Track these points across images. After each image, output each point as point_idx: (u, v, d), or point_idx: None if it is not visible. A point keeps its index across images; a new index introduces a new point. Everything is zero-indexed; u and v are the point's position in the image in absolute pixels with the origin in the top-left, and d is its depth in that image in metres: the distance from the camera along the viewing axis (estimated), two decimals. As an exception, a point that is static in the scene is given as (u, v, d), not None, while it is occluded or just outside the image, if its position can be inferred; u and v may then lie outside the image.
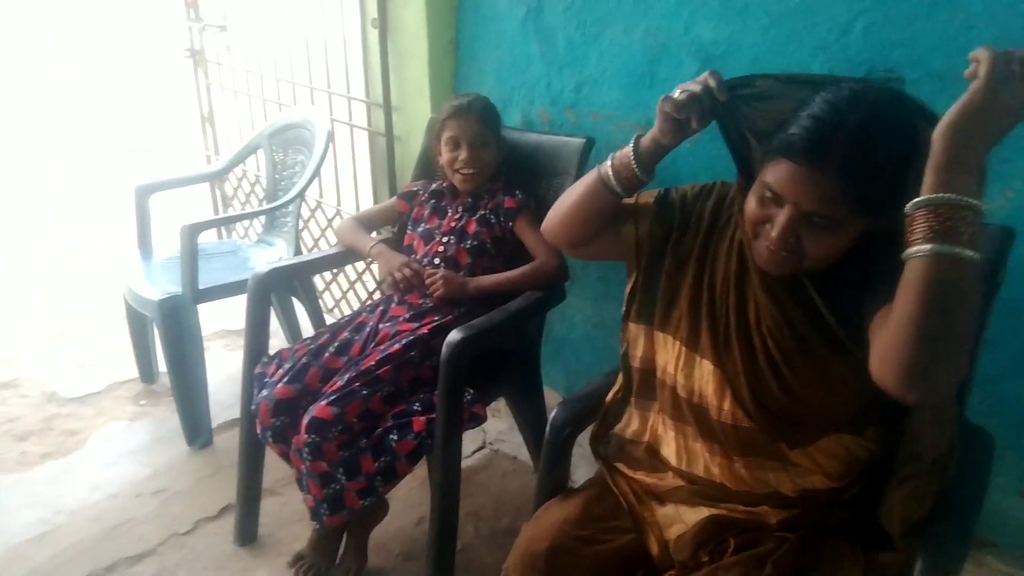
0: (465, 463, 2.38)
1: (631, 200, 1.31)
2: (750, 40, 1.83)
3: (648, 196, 1.32)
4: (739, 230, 1.16)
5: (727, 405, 1.15)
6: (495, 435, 2.51)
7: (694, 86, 1.12)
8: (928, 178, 0.87)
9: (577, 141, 1.95)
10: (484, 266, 1.92)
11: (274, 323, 2.77)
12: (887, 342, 0.90)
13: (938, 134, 0.87)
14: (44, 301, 3.56)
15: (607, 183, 1.25)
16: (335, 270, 2.99)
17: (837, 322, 1.05)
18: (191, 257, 2.26)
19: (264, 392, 1.73)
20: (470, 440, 2.48)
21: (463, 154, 1.91)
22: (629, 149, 1.23)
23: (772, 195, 1.03)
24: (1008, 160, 1.58)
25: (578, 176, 1.93)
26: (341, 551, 1.86)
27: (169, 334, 2.29)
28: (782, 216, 1.01)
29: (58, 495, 2.23)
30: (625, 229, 1.31)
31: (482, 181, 1.96)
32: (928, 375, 0.86)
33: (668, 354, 1.24)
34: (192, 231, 2.25)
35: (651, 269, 1.28)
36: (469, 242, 1.91)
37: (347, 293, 3.02)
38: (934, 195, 0.85)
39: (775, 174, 1.01)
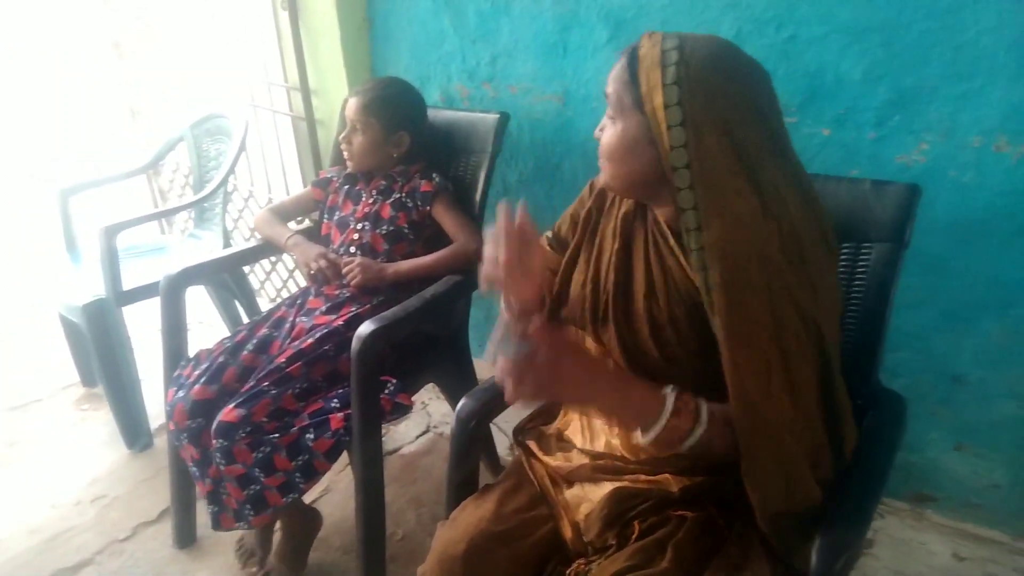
0: (408, 448, 2.37)
1: None
2: (660, 2, 1.77)
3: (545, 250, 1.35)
4: (623, 206, 1.19)
5: None
6: (439, 418, 2.49)
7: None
8: None
9: (492, 117, 1.89)
10: (403, 252, 1.87)
11: (218, 319, 2.75)
12: None
13: None
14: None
15: None
16: (273, 259, 2.94)
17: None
18: (111, 259, 2.20)
19: (180, 393, 1.68)
20: (413, 424, 2.45)
21: (343, 133, 1.89)
22: None
23: None
24: (920, 115, 1.56)
25: (494, 153, 1.89)
26: (274, 552, 1.83)
27: (97, 338, 2.24)
28: None
29: (-4, 509, 2.20)
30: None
31: (358, 165, 1.92)
32: None
33: None
34: (109, 232, 2.19)
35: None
36: (385, 227, 1.86)
37: (287, 282, 2.96)
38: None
39: None
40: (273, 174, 2.81)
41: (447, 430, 2.39)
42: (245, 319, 2.64)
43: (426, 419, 2.49)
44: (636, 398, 0.99)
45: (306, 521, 1.84)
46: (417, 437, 2.41)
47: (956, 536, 1.85)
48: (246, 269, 2.85)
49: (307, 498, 2.08)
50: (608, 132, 1.07)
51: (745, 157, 0.95)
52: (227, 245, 2.58)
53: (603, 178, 1.13)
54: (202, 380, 1.68)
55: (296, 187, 2.71)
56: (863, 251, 1.28)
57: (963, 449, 1.80)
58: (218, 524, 1.66)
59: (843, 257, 1.30)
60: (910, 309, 1.69)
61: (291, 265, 2.91)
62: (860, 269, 1.29)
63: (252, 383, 1.61)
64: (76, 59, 4.21)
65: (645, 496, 1.14)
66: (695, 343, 1.08)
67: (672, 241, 1.11)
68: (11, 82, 5.40)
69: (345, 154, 1.90)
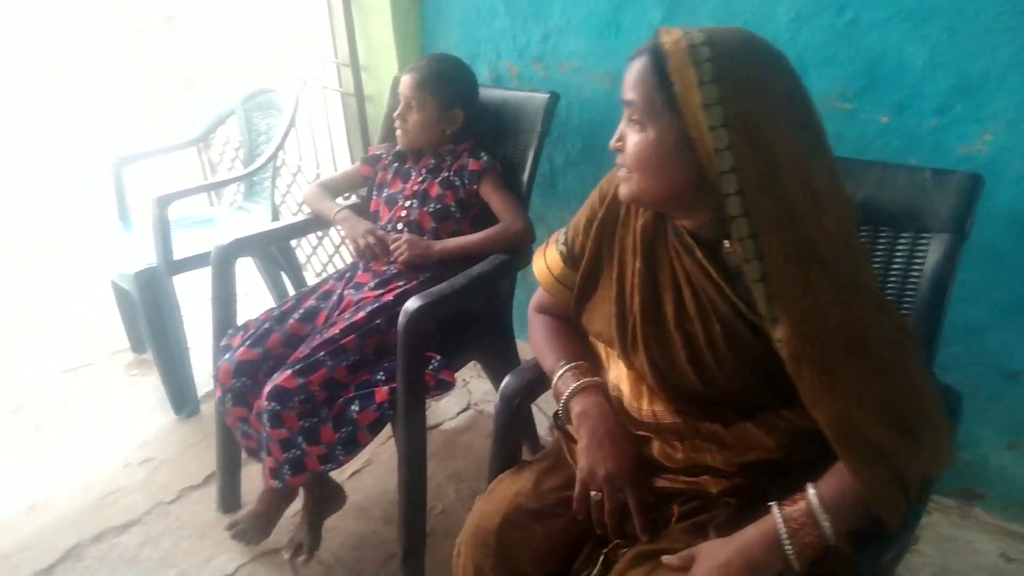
0: (449, 424, 2.39)
1: (551, 283, 1.30)
2: (717, -20, 1.74)
3: (556, 264, 1.29)
4: (640, 218, 1.12)
5: (645, 405, 1.14)
6: (480, 396, 2.50)
7: None
8: None
9: (541, 96, 1.88)
10: (449, 230, 1.88)
11: (265, 291, 2.80)
12: None
13: None
14: (35, 273, 3.60)
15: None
16: (320, 234, 2.97)
17: (747, 308, 1.01)
18: (163, 228, 2.25)
19: (226, 356, 1.72)
20: (454, 401, 2.47)
21: (397, 110, 1.88)
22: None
23: None
24: (985, 103, 1.51)
25: (543, 133, 1.88)
26: (296, 530, 1.83)
27: (147, 306, 2.29)
28: None
29: (48, 466, 2.27)
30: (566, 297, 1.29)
31: (412, 143, 1.91)
32: None
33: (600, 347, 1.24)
34: (162, 202, 2.23)
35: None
36: (432, 206, 1.87)
37: (333, 257, 2.99)
38: None
39: None
40: (321, 149, 2.83)
41: (487, 408, 2.42)
42: (291, 292, 2.67)
43: (467, 396, 2.50)
44: (756, 549, 0.95)
45: (329, 496, 1.84)
46: (458, 413, 2.44)
47: (1004, 536, 1.81)
48: (293, 243, 2.88)
49: (349, 468, 2.13)
50: (636, 141, 0.99)
51: (790, 152, 0.90)
52: (275, 218, 2.62)
53: (628, 191, 1.04)
54: (247, 343, 1.71)
55: (344, 163, 2.73)
56: (921, 241, 1.25)
57: (1016, 447, 1.76)
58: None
59: (900, 247, 1.27)
60: (965, 302, 1.65)
61: (337, 240, 2.93)
62: (917, 260, 1.26)
63: (307, 351, 1.63)
64: (127, 35, 4.26)
65: (684, 495, 1.13)
66: (732, 363, 1.04)
67: (699, 254, 1.04)
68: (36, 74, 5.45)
69: (398, 131, 1.90)
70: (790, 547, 0.92)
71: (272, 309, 1.82)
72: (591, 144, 2.11)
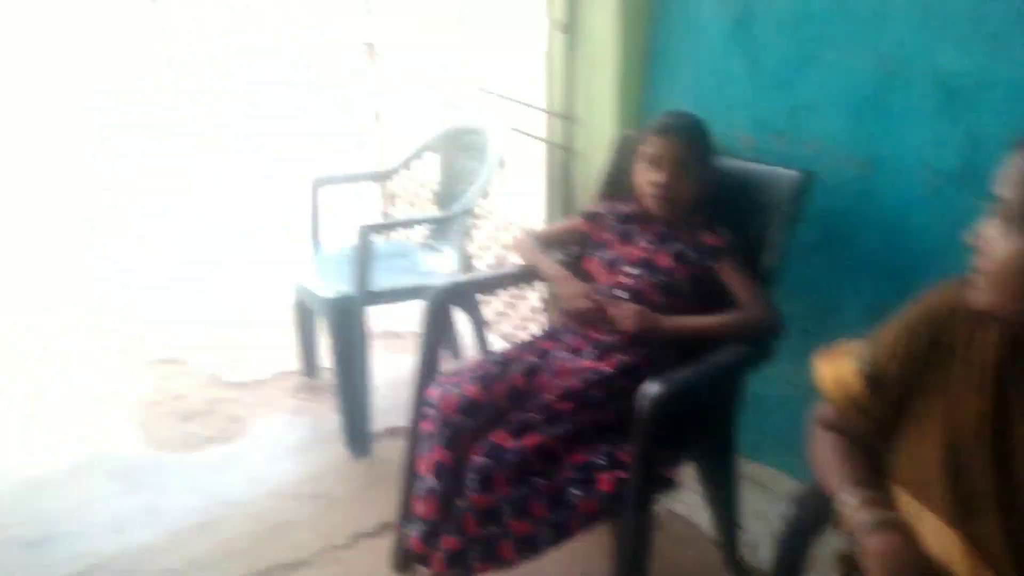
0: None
1: (850, 408, 1.13)
2: (1004, 72, 1.57)
3: (854, 386, 1.12)
4: (987, 349, 0.96)
5: None
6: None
7: None
8: None
9: (792, 174, 1.74)
10: (678, 307, 1.73)
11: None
12: None
13: None
14: (216, 287, 3.65)
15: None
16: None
17: None
18: (366, 258, 2.23)
19: (448, 387, 1.63)
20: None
21: (657, 176, 1.74)
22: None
23: None
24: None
25: (794, 215, 1.74)
26: None
27: (339, 334, 2.27)
28: None
29: (219, 483, 2.27)
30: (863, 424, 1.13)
31: (674, 210, 1.78)
32: None
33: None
34: (367, 231, 2.21)
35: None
36: (660, 277, 1.74)
37: (508, 311, 2.93)
38: None
39: None
40: (516, 199, 2.78)
41: (676, 508, 2.17)
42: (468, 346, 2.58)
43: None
44: None
45: None
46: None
47: None
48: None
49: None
50: (1005, 248, 0.88)
51: None
52: (465, 264, 2.57)
53: (982, 299, 0.93)
54: (472, 381, 1.63)
55: (538, 216, 2.65)
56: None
57: None
58: (408, 551, 1.55)
59: None
60: None
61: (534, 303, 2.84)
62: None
63: (522, 413, 1.55)
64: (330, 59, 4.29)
65: None
66: None
67: None
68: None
69: (658, 192, 1.75)
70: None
71: (489, 355, 1.75)
72: (831, 235, 1.91)
